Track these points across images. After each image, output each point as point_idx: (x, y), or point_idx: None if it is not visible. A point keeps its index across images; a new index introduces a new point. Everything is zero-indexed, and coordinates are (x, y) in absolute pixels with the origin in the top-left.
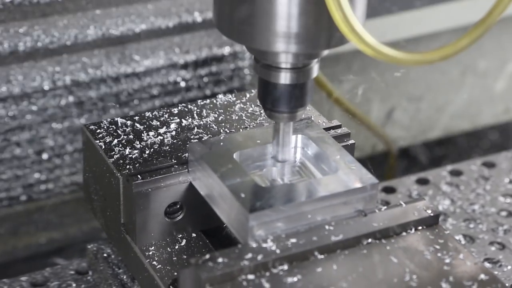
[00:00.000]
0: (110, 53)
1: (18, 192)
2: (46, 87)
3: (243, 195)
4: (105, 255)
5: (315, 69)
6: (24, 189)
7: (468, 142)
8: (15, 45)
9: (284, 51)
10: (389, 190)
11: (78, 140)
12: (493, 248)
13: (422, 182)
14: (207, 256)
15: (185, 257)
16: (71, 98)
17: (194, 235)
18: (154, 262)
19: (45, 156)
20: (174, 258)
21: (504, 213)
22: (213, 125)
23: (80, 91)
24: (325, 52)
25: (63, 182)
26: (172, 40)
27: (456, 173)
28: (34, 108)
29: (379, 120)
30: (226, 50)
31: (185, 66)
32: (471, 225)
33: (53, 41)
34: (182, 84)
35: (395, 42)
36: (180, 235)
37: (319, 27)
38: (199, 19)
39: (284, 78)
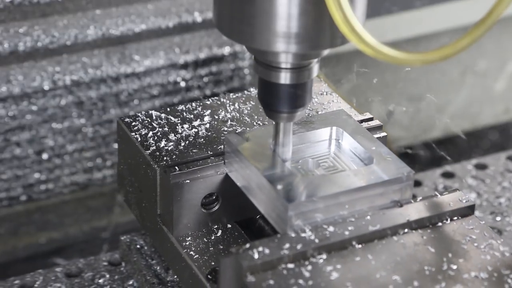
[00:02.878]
0: (110, 53)
1: (18, 192)
2: (46, 87)
3: (281, 186)
4: (138, 246)
5: (315, 69)
6: (24, 189)
7: (468, 142)
8: (15, 45)
9: (284, 51)
10: (415, 184)
11: (78, 140)
12: None
13: (448, 175)
14: (248, 245)
15: (221, 247)
16: (71, 98)
17: (229, 226)
18: (191, 252)
19: (45, 156)
20: (210, 248)
21: None
22: (247, 117)
23: (80, 91)
24: (325, 52)
25: (63, 182)
26: (172, 40)
27: (481, 167)
28: (34, 108)
29: (379, 120)
30: (226, 50)
31: (185, 66)
32: (498, 218)
33: (53, 41)
34: (182, 84)
35: (395, 42)
36: (216, 226)
37: (319, 27)
38: (199, 19)
39: (284, 78)
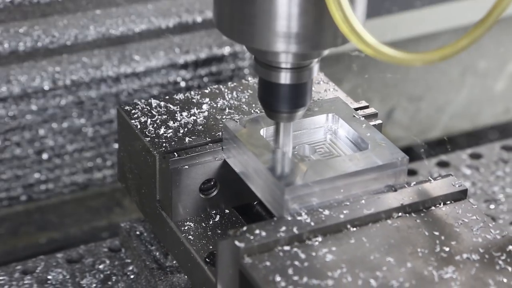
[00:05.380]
0: (110, 53)
1: (18, 192)
2: (46, 87)
3: (278, 171)
4: (137, 232)
5: (315, 69)
6: (24, 189)
7: (468, 142)
8: (15, 45)
9: (284, 51)
10: (411, 173)
11: (78, 140)
12: None
13: (443, 165)
14: (245, 228)
15: (219, 231)
16: (71, 98)
17: (227, 211)
18: (190, 237)
19: (45, 156)
20: (209, 233)
21: None
22: (244, 106)
23: (80, 91)
24: (325, 52)
25: (63, 182)
26: (172, 40)
27: (476, 156)
28: (34, 108)
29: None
30: (226, 50)
31: (185, 66)
32: (492, 206)
33: (53, 41)
34: (182, 84)
35: (395, 42)
36: (214, 211)
37: (319, 27)
38: (199, 19)
39: (284, 78)
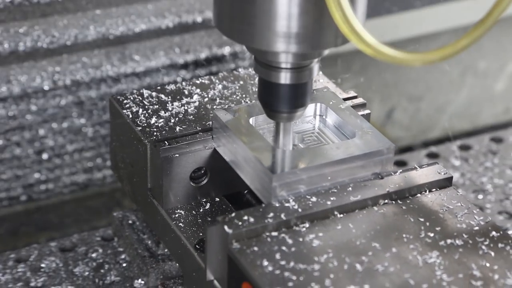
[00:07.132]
0: (110, 53)
1: (18, 192)
2: (46, 87)
3: (266, 158)
4: (130, 221)
5: (315, 69)
6: (24, 189)
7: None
8: (15, 45)
9: (284, 51)
10: (401, 164)
11: (78, 140)
12: (501, 218)
13: (432, 156)
14: (233, 214)
15: (209, 219)
16: (71, 98)
17: (217, 199)
18: (180, 224)
19: (45, 156)
20: (199, 220)
21: (511, 185)
22: (235, 96)
23: (80, 91)
24: (326, 52)
25: (63, 182)
26: (172, 40)
27: (465, 148)
28: (34, 108)
29: (379, 120)
30: (226, 50)
31: (185, 66)
32: (480, 196)
33: (53, 41)
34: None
35: (395, 42)
36: (204, 199)
37: (319, 27)
38: (199, 19)
39: (284, 78)
